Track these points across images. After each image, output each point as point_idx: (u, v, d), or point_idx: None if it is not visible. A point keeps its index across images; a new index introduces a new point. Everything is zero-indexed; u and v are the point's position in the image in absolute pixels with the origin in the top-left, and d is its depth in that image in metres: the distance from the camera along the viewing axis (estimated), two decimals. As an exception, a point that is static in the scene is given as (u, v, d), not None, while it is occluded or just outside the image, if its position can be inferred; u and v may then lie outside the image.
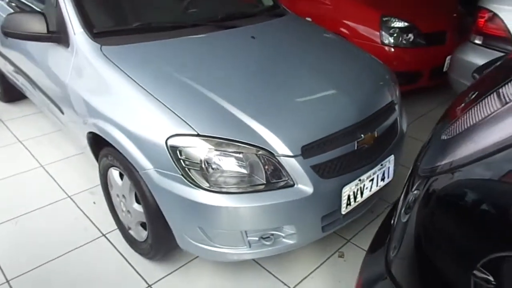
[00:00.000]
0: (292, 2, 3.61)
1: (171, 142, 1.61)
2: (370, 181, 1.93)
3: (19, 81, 3.05)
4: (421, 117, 3.71)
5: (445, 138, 0.95)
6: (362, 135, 1.84)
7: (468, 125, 0.89)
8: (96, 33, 2.06)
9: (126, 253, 2.12)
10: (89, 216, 2.38)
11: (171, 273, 2.02)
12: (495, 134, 0.80)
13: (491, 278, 0.78)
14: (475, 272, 0.80)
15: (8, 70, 3.21)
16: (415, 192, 1.03)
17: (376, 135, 1.92)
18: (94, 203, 2.49)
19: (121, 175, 1.98)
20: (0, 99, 3.77)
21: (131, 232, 2.10)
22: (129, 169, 1.81)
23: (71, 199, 2.53)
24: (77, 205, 2.48)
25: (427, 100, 3.98)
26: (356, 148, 1.82)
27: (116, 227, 2.24)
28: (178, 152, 1.60)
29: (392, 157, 2.04)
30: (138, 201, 1.91)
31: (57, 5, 2.16)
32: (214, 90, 1.77)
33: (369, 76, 2.22)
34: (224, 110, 1.69)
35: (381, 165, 1.96)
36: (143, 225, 1.97)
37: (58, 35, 2.14)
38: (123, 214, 2.08)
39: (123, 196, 1.98)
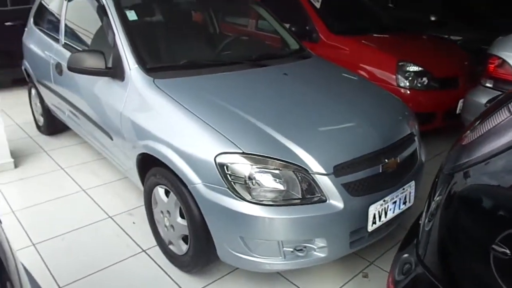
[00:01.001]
0: (312, 48, 3.94)
1: (219, 159, 1.84)
2: (393, 203, 2.11)
3: (66, 114, 3.36)
4: (436, 156, 3.90)
5: (464, 143, 1.17)
6: (386, 160, 2.05)
7: (483, 131, 1.11)
8: (149, 69, 2.36)
9: (165, 267, 2.29)
10: (129, 234, 2.57)
11: (208, 285, 2.18)
12: (505, 136, 1.01)
13: (507, 250, 0.96)
14: (493, 246, 0.98)
15: (54, 104, 3.53)
16: (437, 198, 1.23)
17: (398, 161, 2.12)
18: (134, 223, 2.69)
19: (166, 193, 2.19)
20: (43, 132, 4.08)
21: (171, 247, 2.28)
22: (176, 185, 2.03)
23: (112, 219, 2.74)
24: (118, 224, 2.68)
25: (441, 140, 4.17)
26: (381, 171, 2.03)
27: (155, 243, 2.42)
28: (225, 168, 1.83)
29: (413, 183, 2.23)
30: (181, 216, 2.11)
31: (115, 45, 2.49)
32: (255, 115, 2.02)
33: (390, 110, 2.47)
34: (264, 132, 1.93)
35: (403, 189, 2.15)
36: (184, 239, 2.16)
37: (114, 70, 2.45)
38: (165, 229, 2.27)
39: (168, 211, 2.19)
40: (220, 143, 1.87)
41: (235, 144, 1.85)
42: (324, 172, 1.86)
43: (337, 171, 1.89)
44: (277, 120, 2.03)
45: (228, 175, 1.83)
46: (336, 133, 2.09)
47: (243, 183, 1.82)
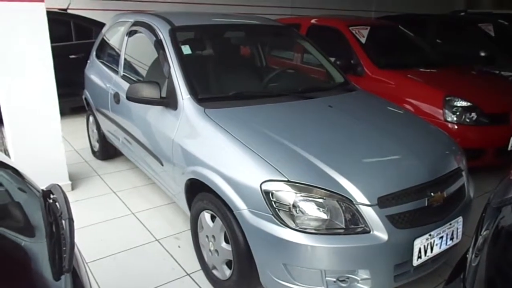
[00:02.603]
0: (357, 81, 3.99)
1: (265, 186, 1.91)
2: (439, 238, 2.07)
3: (120, 140, 3.57)
4: (486, 193, 3.76)
5: (512, 177, 1.17)
6: (432, 194, 2.03)
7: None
8: (200, 99, 2.51)
9: (208, 291, 2.35)
10: (175, 258, 2.66)
11: (249, 312, 2.20)
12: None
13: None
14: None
15: (110, 131, 3.77)
16: (485, 233, 1.22)
17: (445, 195, 2.10)
18: (179, 247, 2.78)
19: (212, 218, 2.27)
20: (98, 157, 4.33)
21: (214, 271, 2.34)
22: (222, 211, 2.10)
23: (159, 242, 2.84)
24: (164, 247, 2.77)
25: (492, 177, 4.01)
26: (426, 204, 2.01)
27: (199, 268, 2.49)
28: (270, 195, 1.89)
29: (460, 219, 2.18)
30: (226, 241, 2.17)
31: (170, 76, 2.67)
32: (300, 145, 2.09)
33: (437, 143, 2.45)
34: (309, 161, 1.99)
35: (450, 224, 2.11)
36: (228, 264, 2.21)
37: (168, 100, 2.62)
38: (209, 254, 2.33)
39: (213, 236, 2.26)
40: (266, 171, 1.94)
41: (280, 172, 1.92)
42: (368, 203, 1.87)
43: (381, 203, 1.90)
44: (322, 151, 2.08)
45: (273, 202, 1.89)
46: (381, 164, 2.11)
47: (287, 210, 1.87)
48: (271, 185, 1.90)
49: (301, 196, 1.87)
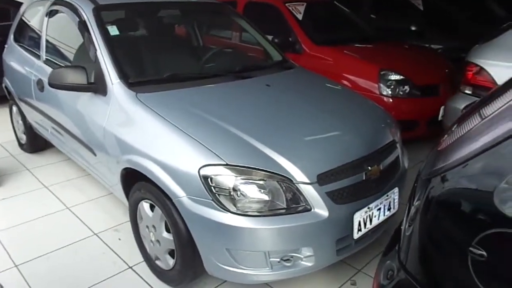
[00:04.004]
0: (296, 59, 3.98)
1: (203, 171, 1.84)
2: (377, 209, 2.13)
3: (49, 131, 3.32)
4: (419, 163, 3.92)
5: (440, 149, 1.19)
6: (369, 167, 2.07)
7: (457, 137, 1.13)
8: (131, 83, 2.36)
9: (152, 283, 2.26)
10: (115, 251, 2.54)
11: (196, 299, 2.15)
12: (476, 142, 1.04)
13: (484, 252, 0.98)
14: (471, 249, 1.00)
15: (37, 121, 3.50)
16: (416, 203, 1.25)
17: (381, 168, 2.15)
18: (120, 239, 2.65)
19: (151, 207, 2.18)
20: (26, 150, 4.02)
21: (157, 262, 2.25)
22: (161, 199, 2.02)
23: (98, 236, 2.70)
24: (103, 241, 2.64)
25: (425, 147, 4.21)
26: (364, 178, 2.05)
27: (142, 259, 2.39)
28: (209, 180, 1.83)
29: (396, 189, 2.25)
30: (167, 230, 2.09)
31: (97, 60, 2.49)
32: (238, 127, 2.03)
33: (372, 118, 2.50)
34: (247, 143, 1.94)
35: (387, 195, 2.17)
36: (170, 253, 2.14)
37: (96, 85, 2.44)
38: (151, 244, 2.24)
39: (153, 226, 2.17)
40: (204, 155, 1.87)
41: (218, 156, 1.85)
42: (308, 181, 1.87)
43: (321, 180, 1.90)
44: (260, 131, 2.04)
45: (212, 187, 1.83)
46: (319, 142, 2.11)
47: (228, 194, 1.82)
48: (209, 169, 1.84)
49: (241, 179, 1.82)
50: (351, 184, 1.99)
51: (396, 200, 2.26)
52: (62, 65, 2.96)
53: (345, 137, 2.17)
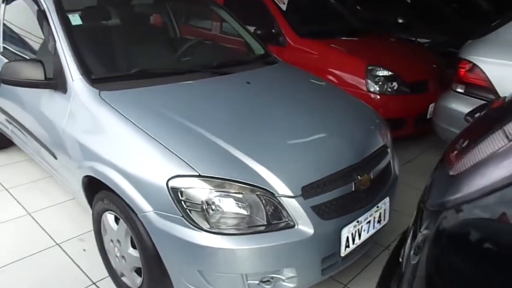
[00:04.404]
0: (280, 52, 3.75)
1: (172, 183, 1.61)
2: (367, 223, 1.94)
3: (9, 129, 3.03)
4: (407, 163, 3.78)
5: (453, 174, 0.99)
6: (358, 177, 1.87)
7: (476, 161, 0.93)
8: (94, 79, 2.10)
9: (118, 302, 2.04)
10: (78, 264, 2.30)
11: (166, 322, 1.93)
12: (503, 169, 0.83)
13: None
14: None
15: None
16: (425, 232, 1.05)
17: (371, 177, 1.95)
18: (84, 250, 2.41)
19: (116, 220, 1.95)
20: (-15, 148, 3.71)
21: (123, 279, 2.03)
22: (126, 212, 1.78)
23: (60, 246, 2.45)
24: (66, 253, 2.39)
25: (412, 146, 4.07)
26: (353, 189, 1.85)
27: (107, 274, 2.16)
28: (179, 193, 1.60)
29: (387, 199, 2.06)
30: (133, 246, 1.86)
31: (56, 52, 2.21)
32: (214, 132, 1.80)
33: (361, 120, 2.29)
34: (224, 151, 1.72)
35: (377, 207, 1.98)
36: (137, 271, 1.91)
37: (55, 81, 2.18)
38: (116, 260, 2.02)
39: (118, 241, 1.94)
40: (173, 165, 1.64)
41: (190, 166, 1.63)
42: (291, 194, 1.66)
43: (306, 192, 1.69)
44: (238, 137, 1.82)
45: (182, 202, 1.60)
46: (304, 149, 1.89)
47: (200, 210, 1.60)
48: (179, 181, 1.61)
49: (216, 192, 1.60)
50: (339, 196, 1.79)
51: (387, 211, 2.08)
52: (25, 57, 2.67)
53: (332, 143, 1.97)
